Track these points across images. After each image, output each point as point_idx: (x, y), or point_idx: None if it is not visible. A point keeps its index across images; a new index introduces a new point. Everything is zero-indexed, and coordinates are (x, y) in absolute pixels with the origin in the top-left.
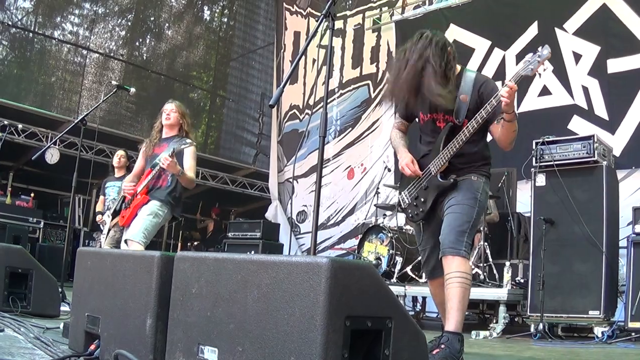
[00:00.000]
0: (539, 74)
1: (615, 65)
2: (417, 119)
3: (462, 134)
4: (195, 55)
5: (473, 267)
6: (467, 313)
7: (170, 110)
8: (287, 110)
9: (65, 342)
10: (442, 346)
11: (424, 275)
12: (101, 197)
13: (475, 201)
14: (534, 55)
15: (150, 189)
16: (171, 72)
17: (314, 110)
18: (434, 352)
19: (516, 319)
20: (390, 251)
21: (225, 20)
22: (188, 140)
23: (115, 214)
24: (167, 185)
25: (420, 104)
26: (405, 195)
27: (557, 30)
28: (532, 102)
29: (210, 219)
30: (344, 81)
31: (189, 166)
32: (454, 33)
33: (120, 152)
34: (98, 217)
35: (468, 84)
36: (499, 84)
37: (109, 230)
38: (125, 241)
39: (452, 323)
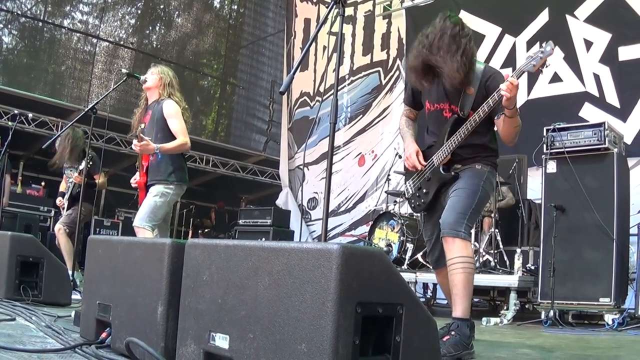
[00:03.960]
0: (541, 71)
1: (627, 52)
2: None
3: (465, 126)
4: (205, 42)
5: (484, 253)
6: (477, 300)
7: (149, 73)
8: (298, 97)
9: (77, 331)
10: (452, 333)
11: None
12: (64, 176)
13: (478, 187)
14: (537, 51)
15: (149, 167)
16: (181, 60)
17: (324, 97)
18: (445, 339)
19: (527, 306)
20: (401, 238)
21: (235, 7)
22: (164, 99)
23: (72, 199)
24: (158, 160)
25: (428, 92)
26: (410, 186)
27: (568, 17)
28: (543, 89)
29: (214, 210)
30: (354, 68)
31: (176, 128)
32: (465, 19)
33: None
34: (58, 200)
35: (476, 76)
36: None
37: (66, 211)
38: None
39: (459, 310)
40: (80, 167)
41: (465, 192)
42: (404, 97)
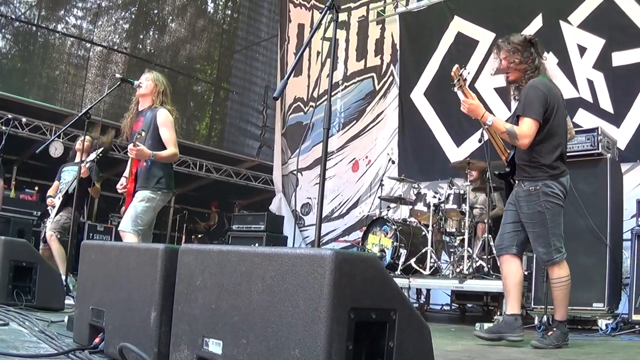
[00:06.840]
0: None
1: (620, 58)
2: None
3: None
4: (199, 48)
5: (477, 259)
6: (471, 305)
7: (144, 79)
8: (291, 102)
9: (70, 336)
10: (555, 329)
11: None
12: (55, 183)
13: (542, 210)
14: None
15: (137, 173)
16: (175, 65)
17: (318, 102)
18: (549, 334)
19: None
20: (395, 243)
21: (229, 12)
22: (157, 107)
23: (67, 196)
24: (148, 166)
25: None
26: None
27: (561, 22)
28: None
29: (214, 212)
30: (348, 74)
31: (168, 138)
32: (458, 25)
33: (87, 137)
34: (49, 200)
35: None
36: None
37: (56, 214)
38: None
39: (559, 314)
40: (90, 158)
41: (534, 225)
42: None
